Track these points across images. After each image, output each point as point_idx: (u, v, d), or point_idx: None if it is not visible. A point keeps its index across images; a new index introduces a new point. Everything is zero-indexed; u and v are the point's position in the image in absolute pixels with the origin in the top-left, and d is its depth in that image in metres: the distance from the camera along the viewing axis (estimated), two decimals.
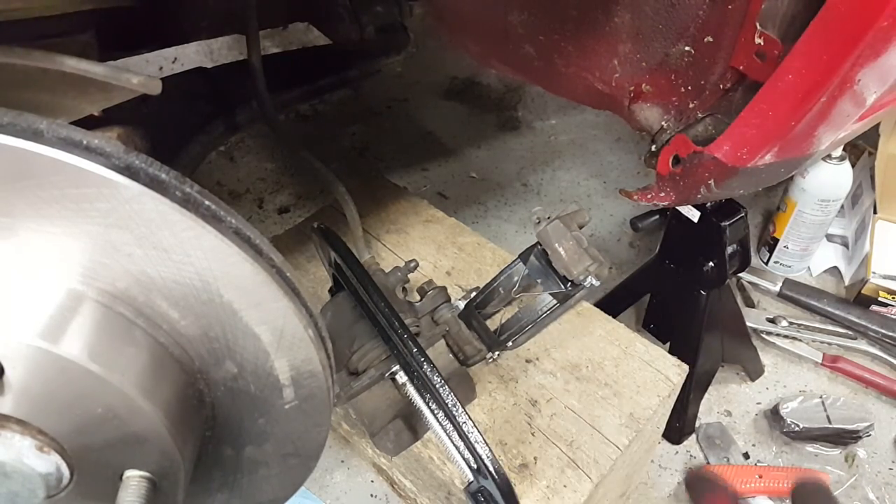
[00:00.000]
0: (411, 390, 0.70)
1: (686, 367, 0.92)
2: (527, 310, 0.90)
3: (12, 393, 0.37)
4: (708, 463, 1.11)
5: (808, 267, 1.43)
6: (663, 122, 0.75)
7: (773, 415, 1.15)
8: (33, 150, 0.35)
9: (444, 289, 0.85)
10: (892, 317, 1.29)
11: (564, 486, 0.79)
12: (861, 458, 1.11)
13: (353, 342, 0.76)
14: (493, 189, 1.66)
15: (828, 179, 1.25)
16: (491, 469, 0.62)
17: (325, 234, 0.82)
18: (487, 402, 0.89)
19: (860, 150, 1.53)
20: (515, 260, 0.92)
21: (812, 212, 1.29)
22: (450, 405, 0.65)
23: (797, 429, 1.11)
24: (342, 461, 1.07)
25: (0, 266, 0.39)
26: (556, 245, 0.84)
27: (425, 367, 0.67)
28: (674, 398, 0.93)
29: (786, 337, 1.29)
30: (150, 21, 0.95)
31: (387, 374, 0.76)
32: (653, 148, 0.75)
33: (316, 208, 1.47)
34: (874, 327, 1.27)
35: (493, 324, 0.91)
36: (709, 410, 1.19)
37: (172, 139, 0.99)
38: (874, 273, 1.28)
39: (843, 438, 1.12)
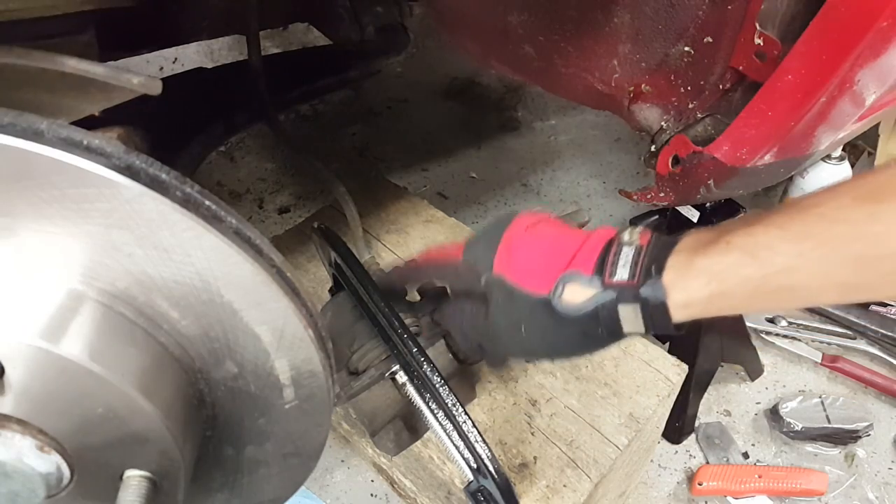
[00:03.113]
0: (411, 390, 0.70)
1: (685, 367, 0.92)
2: None
3: (13, 393, 0.37)
4: (707, 462, 1.11)
5: None
6: (663, 123, 0.76)
7: (773, 414, 1.15)
8: (34, 151, 0.35)
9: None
10: (892, 316, 1.29)
11: (564, 486, 0.79)
12: (860, 457, 1.11)
13: (353, 342, 0.76)
14: (493, 189, 1.66)
15: (827, 179, 1.25)
16: (491, 468, 0.62)
17: (325, 234, 0.82)
18: (487, 402, 0.89)
19: (860, 150, 1.53)
20: None
21: None
22: (450, 405, 0.65)
23: (797, 428, 1.11)
24: (342, 461, 1.07)
25: (0, 266, 0.39)
26: None
27: (425, 367, 0.67)
28: (673, 398, 0.93)
29: (785, 337, 1.28)
30: (150, 21, 0.95)
31: (387, 374, 0.76)
32: (652, 148, 0.75)
33: (316, 208, 1.47)
34: (873, 327, 1.27)
35: None
36: (708, 410, 1.19)
37: (173, 139, 0.99)
38: None
39: (842, 438, 1.12)
